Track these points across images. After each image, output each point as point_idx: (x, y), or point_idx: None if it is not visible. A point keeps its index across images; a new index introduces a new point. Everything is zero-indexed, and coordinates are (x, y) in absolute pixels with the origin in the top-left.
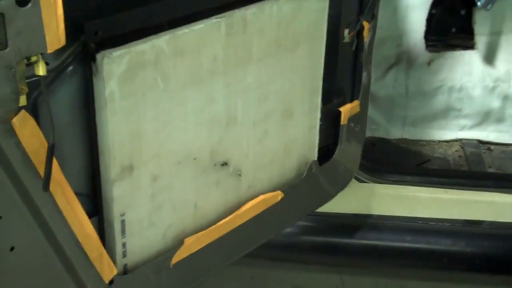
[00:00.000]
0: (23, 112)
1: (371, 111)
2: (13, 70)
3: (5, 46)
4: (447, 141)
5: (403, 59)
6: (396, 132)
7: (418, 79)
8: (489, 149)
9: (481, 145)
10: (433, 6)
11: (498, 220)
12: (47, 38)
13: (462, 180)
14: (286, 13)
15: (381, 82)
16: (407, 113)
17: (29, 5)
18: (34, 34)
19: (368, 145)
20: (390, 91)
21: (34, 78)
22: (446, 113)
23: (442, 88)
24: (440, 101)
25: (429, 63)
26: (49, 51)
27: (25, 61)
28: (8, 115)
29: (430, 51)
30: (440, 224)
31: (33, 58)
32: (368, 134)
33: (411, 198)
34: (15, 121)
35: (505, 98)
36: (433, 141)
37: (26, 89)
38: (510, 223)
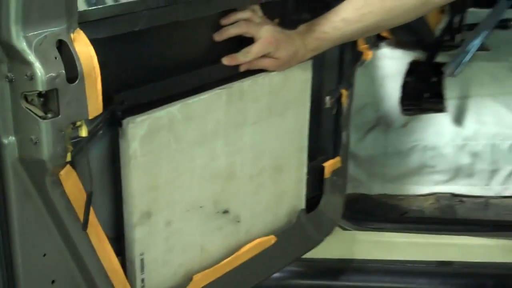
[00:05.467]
0: (68, 166)
1: (353, 170)
2: (63, 133)
3: (58, 114)
4: (423, 195)
5: (381, 123)
6: (377, 188)
7: (395, 140)
8: (461, 201)
9: (454, 198)
10: (407, 75)
11: (467, 260)
12: (89, 107)
13: (435, 225)
14: (276, 84)
15: (362, 144)
16: (386, 171)
17: (76, 82)
18: (79, 104)
19: (352, 201)
20: (370, 151)
21: (74, 140)
22: (421, 170)
23: (417, 147)
24: (415, 159)
25: (404, 125)
26: (90, 117)
27: (71, 125)
28: (57, 169)
29: (405, 114)
30: (416, 265)
31: (78, 123)
32: (351, 190)
33: (389, 243)
34: (62, 173)
35: (474, 155)
36: (411, 196)
37: (71, 148)
38: (478, 263)
